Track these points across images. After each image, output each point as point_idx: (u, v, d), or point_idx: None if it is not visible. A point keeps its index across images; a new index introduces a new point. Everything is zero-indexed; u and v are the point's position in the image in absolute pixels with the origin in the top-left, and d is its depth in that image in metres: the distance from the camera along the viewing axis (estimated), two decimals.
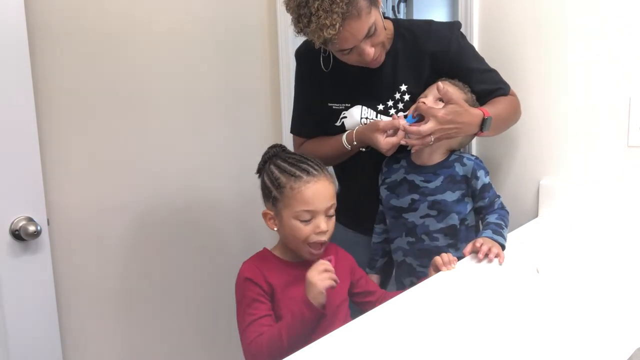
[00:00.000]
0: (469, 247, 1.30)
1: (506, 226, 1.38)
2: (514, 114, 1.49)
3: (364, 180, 1.53)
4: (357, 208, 1.54)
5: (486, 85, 1.45)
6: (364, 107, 1.47)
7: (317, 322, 1.13)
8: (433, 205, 1.39)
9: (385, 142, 1.33)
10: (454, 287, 1.17)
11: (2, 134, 1.31)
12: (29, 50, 1.34)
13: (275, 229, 1.24)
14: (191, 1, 1.76)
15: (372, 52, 1.32)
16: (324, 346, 0.94)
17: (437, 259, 1.26)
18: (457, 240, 1.40)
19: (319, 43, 1.25)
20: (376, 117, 1.46)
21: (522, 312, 1.04)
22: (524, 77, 1.63)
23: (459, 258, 1.29)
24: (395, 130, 1.32)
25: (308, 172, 1.21)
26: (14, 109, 1.33)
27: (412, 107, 1.37)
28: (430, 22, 1.48)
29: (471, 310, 1.05)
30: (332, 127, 1.49)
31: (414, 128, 1.28)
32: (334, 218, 1.23)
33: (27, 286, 1.39)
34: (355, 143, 1.41)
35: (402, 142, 1.32)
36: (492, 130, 1.38)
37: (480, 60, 1.48)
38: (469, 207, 1.41)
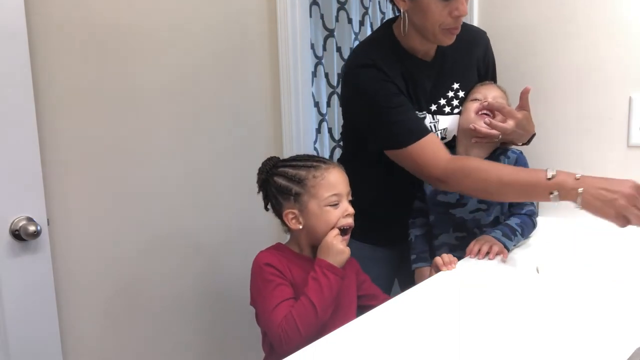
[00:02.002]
0: (469, 247, 1.30)
1: (523, 235, 1.38)
2: None
3: (377, 188, 1.51)
4: (373, 218, 1.48)
5: None
6: (426, 113, 1.45)
7: (339, 286, 1.18)
8: (483, 200, 1.40)
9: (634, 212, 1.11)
10: (454, 287, 1.17)
11: (2, 134, 1.31)
12: (29, 50, 1.34)
13: (300, 226, 1.24)
14: (191, 1, 1.76)
15: (466, 9, 1.29)
16: (324, 346, 0.94)
17: (438, 259, 1.27)
18: None
19: None
20: (433, 118, 1.45)
21: (522, 312, 1.04)
22: (524, 77, 1.63)
23: (459, 258, 1.29)
24: None
25: (323, 162, 1.26)
26: (14, 109, 1.33)
27: (474, 104, 1.41)
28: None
29: (471, 310, 1.05)
30: None
31: (501, 124, 1.35)
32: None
33: (27, 286, 1.39)
34: (582, 192, 1.12)
35: (471, 127, 1.37)
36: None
37: None
38: (507, 203, 1.42)
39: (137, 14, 1.62)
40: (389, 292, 1.58)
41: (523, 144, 1.47)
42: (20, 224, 1.35)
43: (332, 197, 1.22)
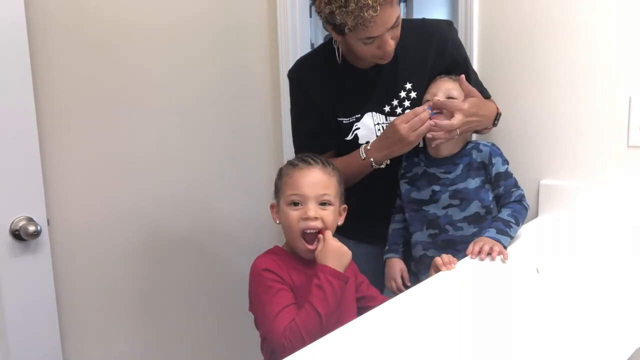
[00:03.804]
0: (470, 248, 1.30)
1: (517, 224, 1.38)
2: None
3: (365, 187, 1.50)
4: (359, 217, 1.47)
5: (478, 87, 1.49)
6: (374, 113, 1.47)
7: (343, 291, 1.16)
8: (455, 195, 1.40)
9: (411, 133, 1.32)
10: (454, 287, 1.17)
11: (2, 134, 1.31)
12: (29, 50, 1.34)
13: (277, 221, 1.26)
14: (191, 2, 1.76)
15: (392, 45, 1.33)
16: (324, 346, 0.94)
17: (437, 259, 1.27)
18: (483, 229, 1.39)
19: (351, 25, 1.24)
20: (386, 119, 1.47)
21: (522, 312, 1.04)
22: (524, 77, 1.63)
23: (459, 258, 1.29)
24: (418, 120, 1.32)
25: (305, 162, 1.24)
26: (14, 109, 1.33)
27: (427, 104, 1.39)
28: (423, 19, 1.53)
29: (471, 310, 1.05)
30: (342, 142, 1.49)
31: (446, 122, 1.32)
32: (330, 208, 1.22)
33: (27, 286, 1.39)
34: (369, 148, 1.40)
35: (429, 136, 1.34)
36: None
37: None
38: (492, 194, 1.42)
39: (137, 14, 1.62)
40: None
41: (493, 125, 1.46)
42: (20, 224, 1.35)
43: (293, 196, 1.20)
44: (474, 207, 1.40)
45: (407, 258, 1.54)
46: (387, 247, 1.53)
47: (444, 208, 1.42)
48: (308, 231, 1.20)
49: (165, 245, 1.75)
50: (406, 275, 1.48)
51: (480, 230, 1.39)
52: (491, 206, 1.42)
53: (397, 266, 1.49)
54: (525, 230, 1.51)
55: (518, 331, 0.96)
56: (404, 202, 1.50)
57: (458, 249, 1.39)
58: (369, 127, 1.47)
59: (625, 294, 1.09)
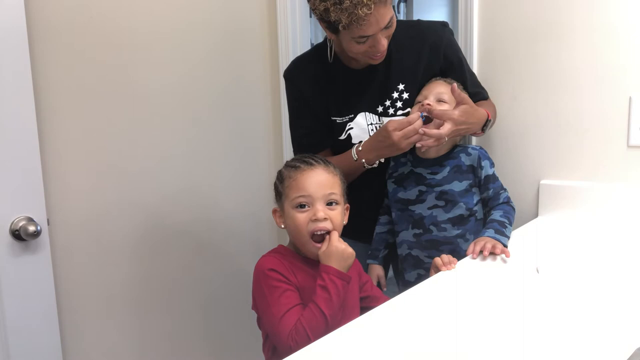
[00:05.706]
0: (470, 248, 1.30)
1: (510, 224, 1.39)
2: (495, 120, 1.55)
3: (362, 186, 1.50)
4: (356, 215, 1.46)
5: (475, 88, 1.51)
6: (367, 113, 1.48)
7: (346, 291, 1.16)
8: (441, 196, 1.42)
9: (404, 141, 1.32)
10: (454, 287, 1.17)
11: (2, 134, 1.31)
12: (29, 50, 1.34)
13: (282, 226, 1.24)
14: (191, 2, 1.76)
15: (385, 44, 1.34)
16: (324, 346, 0.94)
17: (437, 259, 1.27)
18: (466, 231, 1.41)
19: (345, 23, 1.25)
20: (379, 120, 1.47)
21: (522, 312, 1.04)
22: (524, 77, 1.63)
23: (459, 258, 1.29)
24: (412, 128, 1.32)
25: (307, 163, 1.23)
26: (14, 109, 1.33)
27: (415, 108, 1.40)
28: (418, 20, 1.54)
29: (471, 310, 1.05)
30: (336, 141, 1.50)
31: (435, 132, 1.32)
32: (338, 208, 1.21)
33: (27, 286, 1.39)
34: (360, 149, 1.41)
35: (418, 145, 1.35)
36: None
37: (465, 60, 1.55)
38: (476, 198, 1.43)
39: (138, 13, 1.62)
40: None
41: (482, 131, 1.45)
42: (20, 224, 1.35)
43: (299, 198, 1.18)
44: (459, 210, 1.41)
45: (393, 257, 1.56)
46: (369, 252, 1.55)
47: (429, 208, 1.43)
48: (318, 232, 1.18)
49: (166, 245, 1.75)
50: (383, 281, 1.53)
51: (463, 232, 1.41)
52: (474, 209, 1.43)
53: (374, 272, 1.52)
54: (525, 230, 1.51)
55: (518, 331, 0.96)
56: (390, 201, 1.52)
57: (441, 249, 1.40)
58: (362, 127, 1.48)
59: (625, 294, 1.09)
